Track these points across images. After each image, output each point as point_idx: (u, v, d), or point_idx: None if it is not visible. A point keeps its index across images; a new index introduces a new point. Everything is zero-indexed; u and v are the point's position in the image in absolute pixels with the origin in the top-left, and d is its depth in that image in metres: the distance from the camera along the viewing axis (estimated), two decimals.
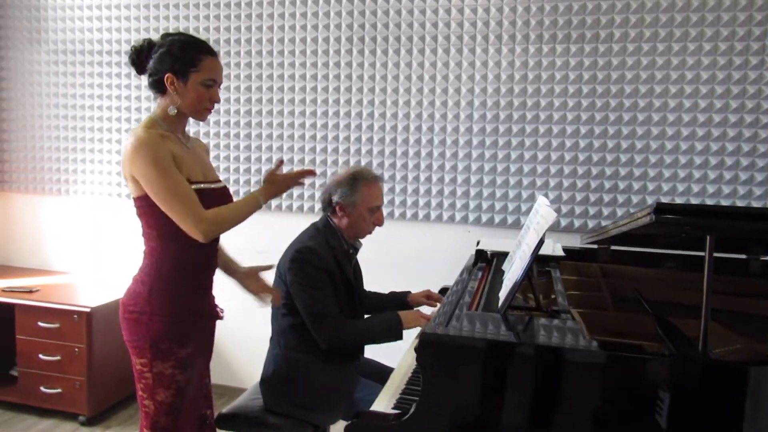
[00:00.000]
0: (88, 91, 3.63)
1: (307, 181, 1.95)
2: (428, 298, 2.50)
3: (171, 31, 2.00)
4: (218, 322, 2.01)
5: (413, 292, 2.55)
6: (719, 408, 1.33)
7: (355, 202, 2.17)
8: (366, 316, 2.38)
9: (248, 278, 2.03)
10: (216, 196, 1.85)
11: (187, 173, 1.78)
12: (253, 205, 1.82)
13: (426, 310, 2.38)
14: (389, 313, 2.21)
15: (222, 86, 3.30)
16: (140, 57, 1.82)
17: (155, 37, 1.84)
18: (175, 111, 1.80)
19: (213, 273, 1.96)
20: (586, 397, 1.39)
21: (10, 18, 3.72)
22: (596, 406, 1.39)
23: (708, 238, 1.33)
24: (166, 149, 1.73)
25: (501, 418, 1.43)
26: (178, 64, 1.76)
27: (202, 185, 1.81)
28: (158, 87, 1.80)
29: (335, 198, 2.20)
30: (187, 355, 1.82)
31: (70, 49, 3.63)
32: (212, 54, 1.81)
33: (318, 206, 3.00)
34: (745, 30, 2.65)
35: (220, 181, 1.95)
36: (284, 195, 3.28)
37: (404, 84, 3.09)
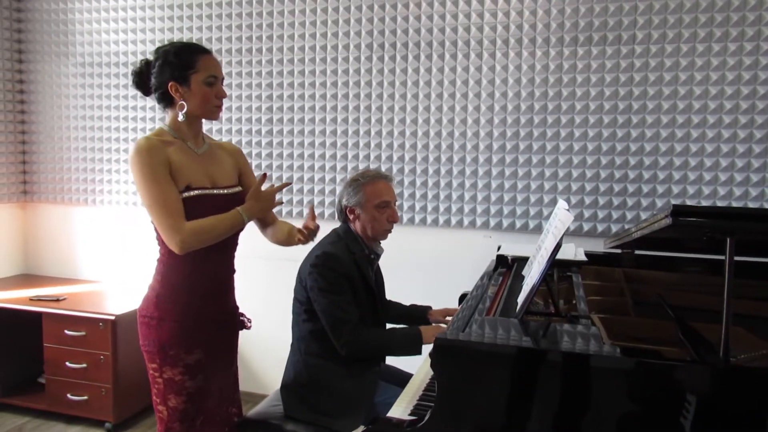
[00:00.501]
0: (113, 103, 3.70)
1: (285, 198, 1.98)
2: (446, 316, 2.47)
3: (173, 40, 2.04)
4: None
5: (434, 306, 2.53)
6: (742, 415, 1.29)
7: (361, 201, 2.18)
8: (388, 325, 2.37)
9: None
10: (223, 202, 1.85)
11: (188, 179, 1.79)
12: (236, 222, 1.81)
13: None
14: (410, 327, 2.20)
15: (239, 94, 3.36)
16: (143, 78, 1.86)
17: None
18: (185, 117, 1.82)
19: (225, 280, 1.96)
20: (603, 405, 1.36)
21: (38, 32, 3.82)
22: (613, 413, 1.36)
23: (728, 240, 1.29)
24: (161, 156, 1.75)
25: (517, 425, 1.40)
26: (176, 70, 1.79)
27: (206, 191, 1.82)
28: (166, 99, 1.84)
29: (344, 202, 2.22)
30: (194, 362, 1.83)
31: (96, 62, 3.71)
32: (206, 52, 1.84)
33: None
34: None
35: (236, 186, 1.96)
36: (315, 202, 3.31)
37: (424, 89, 3.09)
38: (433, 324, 2.36)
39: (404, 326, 2.27)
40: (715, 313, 1.77)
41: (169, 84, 1.79)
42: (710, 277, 2.31)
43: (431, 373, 2.00)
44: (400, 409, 1.73)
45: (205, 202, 1.81)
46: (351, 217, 2.22)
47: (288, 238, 1.99)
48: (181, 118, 1.82)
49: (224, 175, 1.92)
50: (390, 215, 2.23)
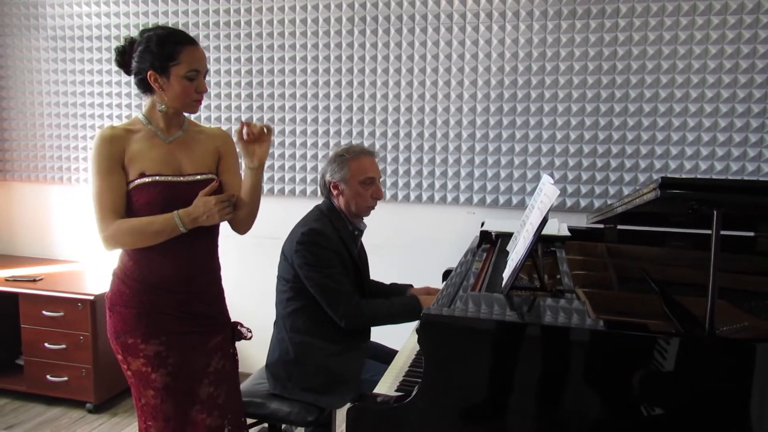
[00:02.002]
0: (88, 78, 3.60)
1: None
2: (428, 294, 2.46)
3: (157, 24, 1.93)
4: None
5: (416, 284, 2.51)
6: (726, 386, 1.30)
7: (345, 177, 2.16)
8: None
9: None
10: (184, 189, 1.76)
11: (142, 167, 1.73)
12: (168, 225, 1.71)
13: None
14: (408, 296, 2.26)
15: (217, 69, 3.29)
16: (125, 58, 1.79)
17: (154, 21, 1.80)
18: (165, 107, 1.77)
19: (193, 275, 1.82)
20: (591, 377, 1.37)
21: (7, 5, 3.69)
22: (602, 386, 1.37)
23: (715, 213, 1.29)
24: (116, 147, 1.72)
25: (504, 400, 1.40)
26: (157, 60, 1.71)
27: (161, 177, 1.74)
28: (144, 86, 1.77)
29: (328, 177, 2.19)
30: (154, 354, 1.74)
31: (69, 36, 3.59)
32: (190, 43, 1.74)
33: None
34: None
35: (208, 173, 1.82)
36: (297, 179, 3.27)
37: (407, 64, 3.05)
38: (432, 294, 2.34)
39: (402, 296, 2.30)
40: (699, 287, 1.78)
41: (149, 73, 1.72)
42: (693, 251, 2.33)
43: (417, 349, 2.01)
44: (386, 386, 1.73)
45: (158, 189, 1.73)
46: (335, 192, 2.19)
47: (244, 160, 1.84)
48: (160, 108, 1.77)
49: (194, 162, 1.81)
50: (374, 192, 2.20)
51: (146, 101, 1.81)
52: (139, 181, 1.73)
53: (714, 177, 2.73)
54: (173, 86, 1.73)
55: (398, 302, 2.18)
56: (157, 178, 1.74)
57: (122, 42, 1.81)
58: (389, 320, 2.20)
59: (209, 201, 1.72)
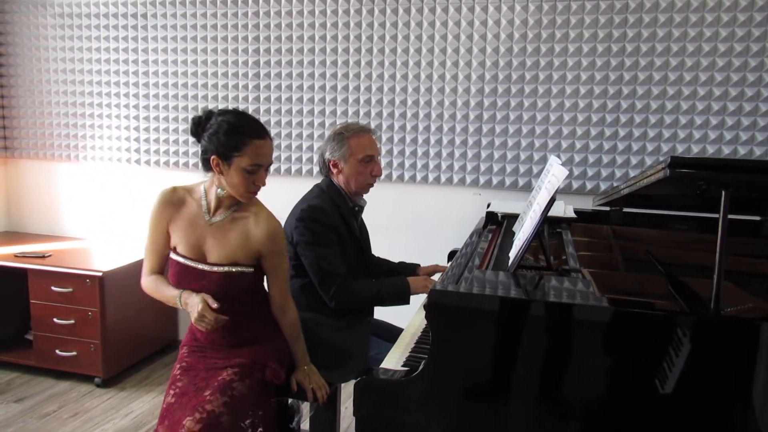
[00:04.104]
0: (95, 56, 3.60)
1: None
2: (433, 272, 2.48)
3: (228, 107, 1.93)
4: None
5: (422, 262, 2.54)
6: (730, 365, 1.32)
7: (345, 155, 2.17)
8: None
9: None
10: (197, 276, 1.84)
11: (176, 243, 1.88)
12: (172, 300, 1.87)
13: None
14: (397, 277, 2.26)
15: (225, 47, 3.28)
16: (198, 129, 1.84)
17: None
18: (222, 192, 1.84)
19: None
20: (596, 356, 1.38)
21: None
22: (607, 364, 1.38)
23: (723, 193, 1.30)
24: (163, 213, 1.89)
25: (509, 376, 1.42)
26: (222, 147, 1.76)
27: (183, 260, 1.87)
28: (205, 165, 1.83)
29: (327, 155, 2.21)
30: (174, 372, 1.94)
31: (76, 13, 3.59)
32: (259, 137, 1.77)
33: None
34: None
35: (227, 265, 1.84)
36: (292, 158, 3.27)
37: (415, 44, 3.03)
38: (422, 276, 2.37)
39: (392, 277, 2.29)
40: (705, 269, 1.79)
41: (212, 157, 1.78)
42: (699, 234, 2.34)
43: (423, 325, 2.03)
44: (393, 361, 1.75)
45: (178, 269, 1.88)
46: (334, 171, 2.21)
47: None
48: (220, 193, 1.85)
49: (222, 252, 1.84)
50: (373, 169, 2.22)
51: (208, 176, 1.88)
52: (171, 253, 1.90)
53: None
54: (232, 175, 1.78)
55: (387, 285, 2.19)
56: (180, 259, 1.87)
57: (199, 112, 1.87)
58: (377, 303, 2.23)
59: (199, 308, 1.77)
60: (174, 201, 1.88)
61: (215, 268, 1.84)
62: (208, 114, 1.83)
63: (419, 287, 2.17)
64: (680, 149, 2.76)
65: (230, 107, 3.35)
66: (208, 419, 1.70)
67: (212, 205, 1.86)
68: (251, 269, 1.86)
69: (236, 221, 1.85)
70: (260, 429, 1.83)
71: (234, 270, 1.84)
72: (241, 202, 1.86)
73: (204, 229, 1.86)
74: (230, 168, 1.78)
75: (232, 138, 1.76)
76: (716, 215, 1.33)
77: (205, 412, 1.71)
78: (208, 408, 1.72)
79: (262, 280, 1.94)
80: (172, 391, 1.84)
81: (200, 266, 1.85)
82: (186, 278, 1.86)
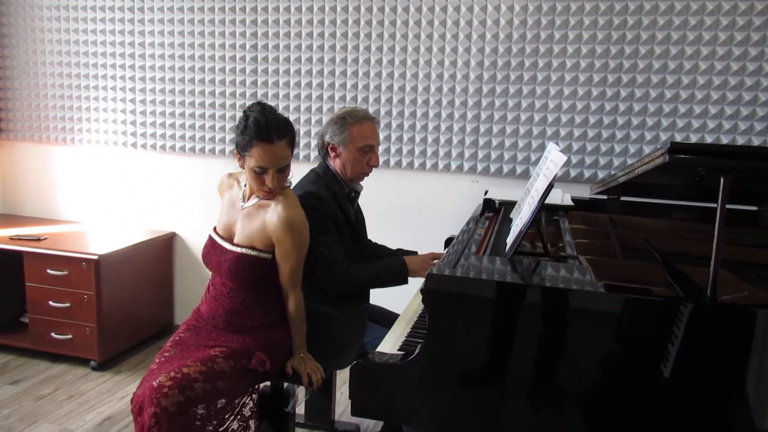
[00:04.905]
0: (91, 38, 3.56)
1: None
2: (433, 260, 2.47)
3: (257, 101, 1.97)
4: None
5: (420, 251, 2.52)
6: (726, 352, 1.32)
7: (345, 140, 2.14)
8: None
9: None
10: (219, 253, 1.96)
11: (218, 221, 2.03)
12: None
13: None
14: (394, 257, 2.26)
15: (222, 31, 3.25)
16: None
17: None
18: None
19: (214, 309, 1.98)
20: (592, 341, 1.39)
21: None
22: (603, 350, 1.39)
23: (722, 179, 1.29)
24: (220, 194, 2.05)
25: (505, 361, 1.43)
26: (239, 146, 1.86)
27: (215, 236, 2.00)
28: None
29: (326, 138, 2.18)
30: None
31: None
32: (267, 140, 1.80)
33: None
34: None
35: (245, 248, 1.91)
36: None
37: (414, 30, 3.02)
38: (420, 255, 2.35)
39: (389, 258, 2.28)
40: (701, 258, 1.79)
41: (235, 150, 1.89)
42: (696, 224, 2.34)
43: (420, 309, 2.03)
44: (389, 345, 1.75)
45: (209, 244, 2.01)
46: (332, 154, 2.18)
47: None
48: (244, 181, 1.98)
49: (244, 234, 1.93)
50: (371, 159, 2.19)
51: None
52: (211, 231, 2.04)
53: None
54: (246, 172, 1.88)
55: (385, 267, 2.18)
56: (214, 235, 2.00)
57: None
58: (377, 285, 2.21)
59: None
60: (226, 183, 2.04)
61: (236, 249, 1.92)
62: (249, 105, 1.90)
63: (416, 265, 2.16)
64: (679, 138, 2.75)
65: (229, 92, 3.34)
66: (182, 380, 1.70)
67: (247, 191, 1.96)
68: (268, 256, 1.91)
69: (261, 208, 1.92)
70: (238, 412, 1.85)
71: (251, 253, 1.90)
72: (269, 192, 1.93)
73: (237, 213, 1.97)
74: (245, 164, 1.87)
75: (244, 136, 1.83)
76: (714, 205, 1.33)
77: (180, 372, 1.73)
78: (184, 370, 1.73)
79: (277, 271, 1.95)
80: (157, 359, 1.86)
81: (225, 244, 1.95)
82: (212, 252, 1.98)
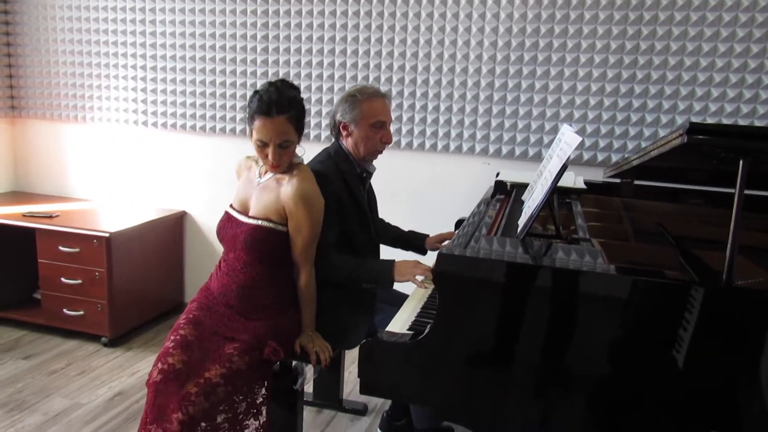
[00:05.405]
0: (102, 15, 3.55)
1: None
2: (442, 242, 2.45)
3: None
4: None
5: (429, 231, 2.51)
6: (741, 336, 1.31)
7: (355, 118, 2.11)
8: (383, 248, 2.36)
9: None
10: (232, 222, 1.98)
11: (234, 196, 2.04)
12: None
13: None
14: (384, 260, 2.07)
15: (242, 10, 3.23)
16: None
17: None
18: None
19: (228, 283, 1.99)
20: (603, 324, 1.37)
21: None
22: (614, 333, 1.37)
23: (741, 162, 1.27)
24: (238, 178, 2.08)
25: (515, 343, 1.42)
26: (247, 119, 1.90)
27: (230, 210, 2.03)
28: None
29: (338, 117, 2.15)
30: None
31: None
32: (266, 114, 1.83)
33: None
34: None
35: (260, 219, 1.93)
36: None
37: (427, 8, 2.97)
38: (414, 261, 2.27)
39: (381, 260, 2.15)
40: (716, 243, 1.77)
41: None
42: (711, 208, 2.31)
43: (429, 291, 2.02)
44: (398, 324, 1.75)
45: (224, 218, 2.03)
46: (344, 133, 2.15)
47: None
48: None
49: (258, 207, 1.96)
50: (383, 136, 2.16)
51: None
52: (228, 207, 2.05)
53: None
54: (253, 144, 1.91)
55: (368, 266, 2.02)
56: (230, 210, 2.02)
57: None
58: (357, 281, 2.03)
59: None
60: (244, 167, 2.07)
61: (251, 221, 1.94)
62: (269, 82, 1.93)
63: (405, 273, 1.94)
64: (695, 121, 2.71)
65: (240, 71, 3.32)
66: (205, 386, 1.76)
67: (263, 169, 1.98)
68: (284, 228, 1.93)
69: (278, 182, 1.94)
70: (251, 403, 1.89)
71: (265, 225, 1.92)
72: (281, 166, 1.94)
73: (254, 188, 1.99)
74: (252, 138, 1.90)
75: (251, 109, 1.87)
76: (729, 190, 1.31)
77: (203, 378, 1.78)
78: (206, 375, 1.78)
79: (291, 247, 1.96)
80: (173, 337, 1.87)
81: (240, 217, 1.97)
82: (227, 225, 1.99)
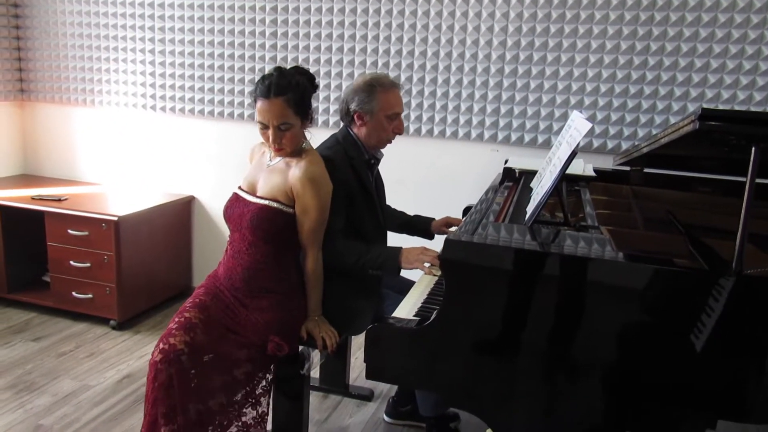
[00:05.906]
0: None
1: None
2: (447, 225, 2.45)
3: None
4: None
5: (437, 217, 2.50)
6: (751, 325, 1.30)
7: (373, 109, 2.09)
8: (389, 233, 2.36)
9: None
10: (239, 201, 1.99)
11: (244, 178, 2.06)
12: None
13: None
14: (392, 246, 2.08)
15: None
16: None
17: None
18: None
19: (233, 267, 2.00)
20: (611, 311, 1.37)
21: None
22: (621, 320, 1.37)
23: (753, 149, 1.25)
24: (256, 150, 2.12)
25: (521, 330, 1.42)
26: (252, 101, 1.91)
27: (238, 190, 2.04)
28: None
29: (353, 106, 2.12)
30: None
31: None
32: (264, 96, 1.85)
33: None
34: None
35: (266, 200, 1.94)
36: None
37: None
38: (421, 246, 2.27)
39: (388, 247, 2.14)
40: (726, 231, 1.76)
41: None
42: (722, 197, 2.28)
43: (435, 278, 2.02)
44: (405, 310, 1.75)
45: (232, 198, 2.04)
46: (358, 122, 2.14)
47: None
48: None
49: (266, 187, 1.97)
50: (396, 126, 2.16)
51: None
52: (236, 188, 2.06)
53: None
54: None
55: (374, 254, 2.02)
56: (237, 190, 2.04)
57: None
58: (359, 270, 2.04)
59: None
60: (256, 152, 2.10)
61: (259, 200, 1.95)
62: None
63: (413, 261, 1.95)
64: None
65: (248, 55, 3.31)
66: (203, 368, 1.81)
67: (272, 151, 1.98)
68: (290, 210, 1.94)
69: (287, 164, 1.96)
70: (252, 390, 1.93)
71: (272, 205, 1.93)
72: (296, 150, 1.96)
73: (263, 170, 2.01)
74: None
75: (255, 91, 1.89)
76: (739, 178, 1.29)
77: (201, 362, 1.82)
78: (204, 360, 1.82)
79: (297, 232, 1.96)
80: (177, 319, 1.89)
81: (248, 197, 1.99)
82: (235, 205, 2.00)
